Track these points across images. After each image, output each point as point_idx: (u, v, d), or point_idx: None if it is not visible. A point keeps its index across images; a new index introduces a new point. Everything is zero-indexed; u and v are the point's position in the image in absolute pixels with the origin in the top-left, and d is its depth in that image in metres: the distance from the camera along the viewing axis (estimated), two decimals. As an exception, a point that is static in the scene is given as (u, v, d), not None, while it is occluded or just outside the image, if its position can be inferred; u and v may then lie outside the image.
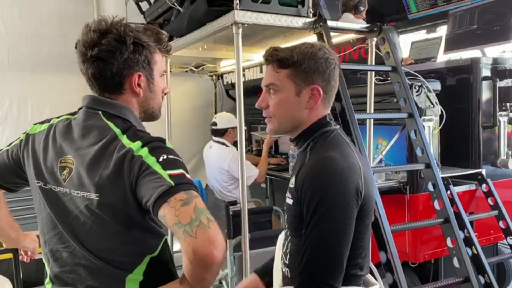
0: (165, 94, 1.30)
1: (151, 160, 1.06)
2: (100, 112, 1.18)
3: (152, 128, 1.24)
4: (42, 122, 1.29)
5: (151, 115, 1.28)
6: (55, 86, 4.06)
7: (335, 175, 1.12)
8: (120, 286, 1.12)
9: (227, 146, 3.54)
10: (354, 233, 1.13)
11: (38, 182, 1.21)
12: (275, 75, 1.25)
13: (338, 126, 1.29)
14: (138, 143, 1.09)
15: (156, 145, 1.10)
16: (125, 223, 1.11)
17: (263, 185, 4.12)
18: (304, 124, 1.27)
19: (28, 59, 3.97)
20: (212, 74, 4.81)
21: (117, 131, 1.13)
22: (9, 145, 1.34)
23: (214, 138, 3.60)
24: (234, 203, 2.97)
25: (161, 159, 1.06)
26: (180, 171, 1.06)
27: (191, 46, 3.10)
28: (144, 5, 3.76)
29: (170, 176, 1.03)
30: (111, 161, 1.08)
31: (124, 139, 1.11)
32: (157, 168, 1.05)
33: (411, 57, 3.45)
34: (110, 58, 1.15)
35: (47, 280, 1.25)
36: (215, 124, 3.59)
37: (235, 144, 3.47)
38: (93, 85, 1.20)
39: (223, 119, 3.61)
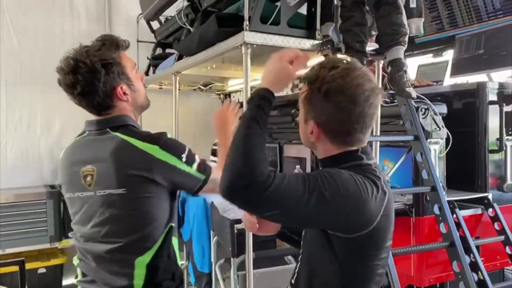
0: (143, 81, 1.50)
1: (171, 161, 1.31)
2: (107, 129, 1.38)
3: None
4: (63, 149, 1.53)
5: (142, 108, 1.50)
6: (65, 101, 4.05)
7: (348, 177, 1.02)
8: (130, 268, 1.33)
9: None
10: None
11: (67, 194, 1.43)
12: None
13: (373, 161, 1.15)
14: (152, 144, 1.31)
15: (169, 146, 1.33)
16: (144, 213, 1.33)
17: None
18: (321, 154, 1.18)
19: (39, 74, 4.06)
20: (220, 92, 4.86)
21: (126, 137, 1.34)
22: None
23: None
24: (239, 221, 2.97)
25: (184, 162, 1.34)
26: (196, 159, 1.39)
27: (200, 65, 3.15)
28: (155, 24, 3.85)
29: (191, 166, 1.36)
30: (129, 160, 1.30)
31: (135, 142, 1.32)
32: (174, 162, 1.32)
33: (422, 80, 3.46)
34: (92, 88, 1.34)
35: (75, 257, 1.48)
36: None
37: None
38: (90, 110, 1.42)
39: None
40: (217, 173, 1.28)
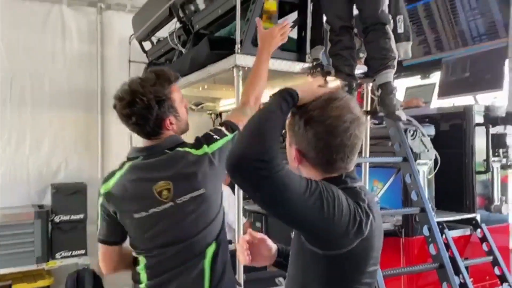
0: (186, 108, 1.66)
1: (217, 146, 1.54)
2: (165, 150, 1.53)
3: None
4: (107, 180, 1.56)
5: (183, 132, 1.66)
6: (55, 120, 4.11)
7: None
8: (204, 251, 1.51)
9: None
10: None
11: (138, 215, 1.50)
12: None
13: (358, 184, 1.15)
14: (201, 148, 1.53)
15: (207, 139, 1.56)
16: (217, 200, 1.56)
17: (258, 225, 4.09)
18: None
19: (30, 94, 4.05)
20: (211, 112, 4.88)
21: (187, 149, 1.53)
22: (99, 216, 1.59)
23: None
24: (230, 242, 2.95)
25: (220, 138, 1.57)
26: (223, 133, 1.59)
27: (192, 85, 3.17)
28: (147, 45, 3.88)
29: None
30: (198, 164, 1.50)
31: (194, 151, 1.52)
32: (218, 144, 1.54)
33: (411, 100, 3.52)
34: (145, 121, 1.50)
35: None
36: None
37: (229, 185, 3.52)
38: (139, 135, 1.57)
39: None
40: (238, 120, 1.62)
